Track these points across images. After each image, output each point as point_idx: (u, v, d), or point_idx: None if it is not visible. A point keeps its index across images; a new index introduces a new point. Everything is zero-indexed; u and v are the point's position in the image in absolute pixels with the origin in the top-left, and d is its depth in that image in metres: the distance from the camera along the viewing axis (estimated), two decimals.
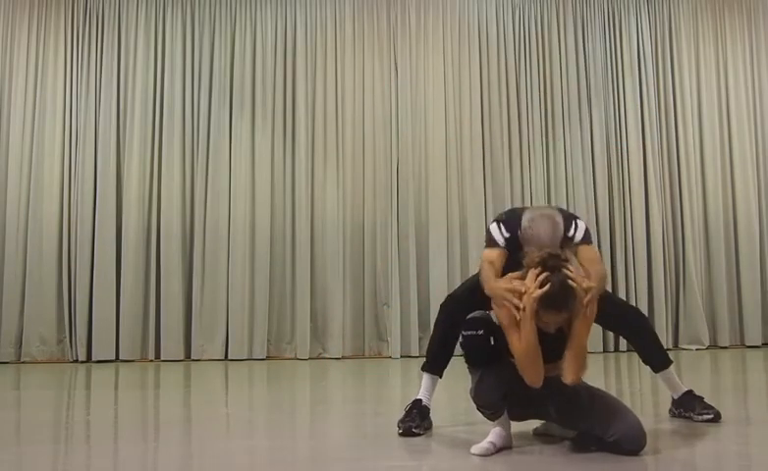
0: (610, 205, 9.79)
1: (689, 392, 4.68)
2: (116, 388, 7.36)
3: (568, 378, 3.78)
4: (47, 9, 9.65)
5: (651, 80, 10.01)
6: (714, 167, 9.99)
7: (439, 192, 9.65)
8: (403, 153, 9.66)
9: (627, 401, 5.83)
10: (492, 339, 3.80)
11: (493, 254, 4.11)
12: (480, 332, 3.81)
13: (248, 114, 9.62)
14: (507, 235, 4.14)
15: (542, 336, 3.77)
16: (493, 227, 4.24)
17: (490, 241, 4.20)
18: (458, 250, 9.58)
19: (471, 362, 3.89)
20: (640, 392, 6.14)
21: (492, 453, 3.80)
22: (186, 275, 9.39)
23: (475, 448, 3.81)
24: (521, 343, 3.72)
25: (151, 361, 9.19)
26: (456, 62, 9.91)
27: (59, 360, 9.14)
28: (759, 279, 9.89)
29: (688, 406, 4.63)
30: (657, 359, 4.67)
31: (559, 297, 3.68)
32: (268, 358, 9.31)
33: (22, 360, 9.05)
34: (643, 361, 4.70)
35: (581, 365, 3.82)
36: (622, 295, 9.41)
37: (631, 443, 3.71)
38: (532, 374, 3.74)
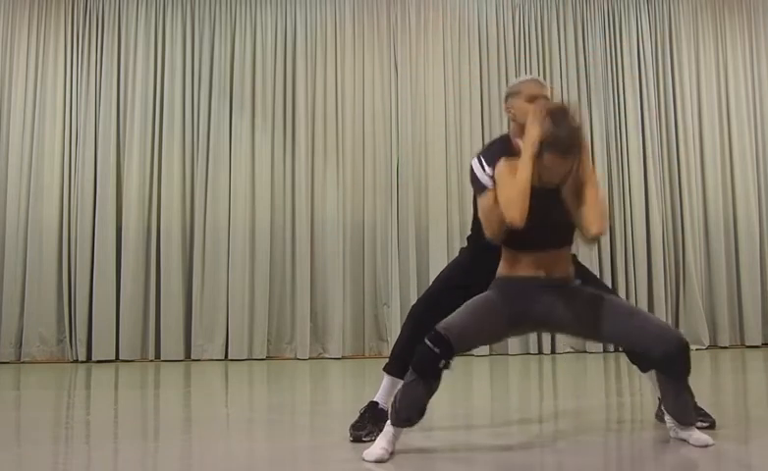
0: (610, 205, 9.77)
1: None
2: (116, 388, 7.36)
3: (593, 228, 3.78)
4: (47, 9, 9.64)
5: (651, 80, 10.00)
6: (714, 167, 9.99)
7: (439, 192, 9.64)
8: (403, 153, 9.65)
9: (625, 401, 5.86)
10: (444, 362, 3.71)
11: (488, 201, 3.95)
12: (437, 350, 3.70)
13: (248, 114, 9.61)
14: (490, 172, 4.03)
15: (543, 205, 3.77)
16: (475, 164, 4.16)
17: (478, 187, 4.09)
18: (458, 249, 9.54)
19: (415, 369, 3.79)
20: (641, 392, 6.13)
21: (386, 460, 3.73)
22: (186, 275, 9.39)
23: (369, 455, 3.75)
24: (518, 176, 3.74)
25: (151, 361, 9.19)
26: (456, 62, 9.90)
27: (59, 360, 9.14)
28: (759, 279, 9.88)
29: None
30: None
31: (566, 141, 3.73)
32: (268, 358, 9.30)
33: (22, 360, 9.04)
34: (630, 360, 4.49)
35: (602, 212, 3.83)
36: (622, 295, 9.43)
37: (668, 344, 3.77)
38: (518, 210, 3.68)
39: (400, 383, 4.38)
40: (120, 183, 9.43)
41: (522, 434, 4.13)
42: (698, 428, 4.06)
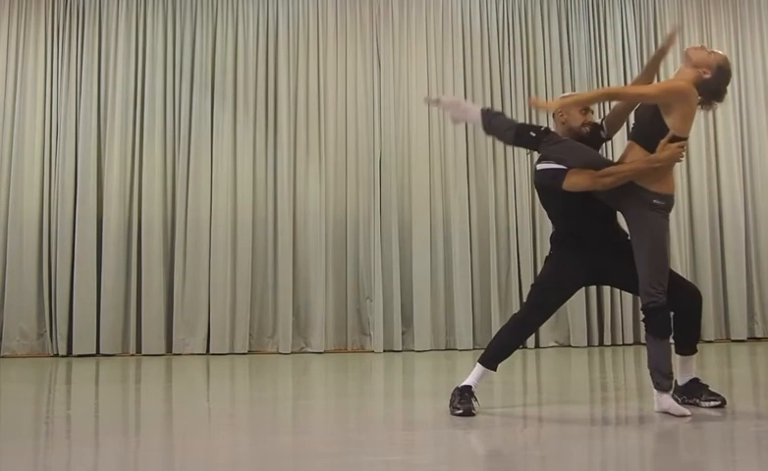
0: None
1: (696, 380, 4.93)
2: (97, 382, 7.31)
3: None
4: (27, 1, 9.55)
5: (636, 72, 9.93)
6: (699, 160, 9.97)
7: (422, 186, 9.60)
8: (386, 146, 9.61)
9: (611, 394, 5.86)
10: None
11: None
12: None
13: (230, 107, 9.56)
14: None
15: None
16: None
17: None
18: (441, 243, 9.54)
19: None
20: (625, 387, 6.12)
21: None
22: (167, 268, 9.34)
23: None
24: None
25: (132, 355, 9.13)
26: (439, 54, 9.87)
27: (39, 355, 9.08)
28: (744, 273, 9.87)
29: (694, 393, 4.88)
30: (690, 343, 4.95)
31: None
32: (250, 352, 9.26)
33: (2, 355, 8.98)
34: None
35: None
36: (607, 291, 9.46)
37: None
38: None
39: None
40: (101, 176, 9.37)
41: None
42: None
